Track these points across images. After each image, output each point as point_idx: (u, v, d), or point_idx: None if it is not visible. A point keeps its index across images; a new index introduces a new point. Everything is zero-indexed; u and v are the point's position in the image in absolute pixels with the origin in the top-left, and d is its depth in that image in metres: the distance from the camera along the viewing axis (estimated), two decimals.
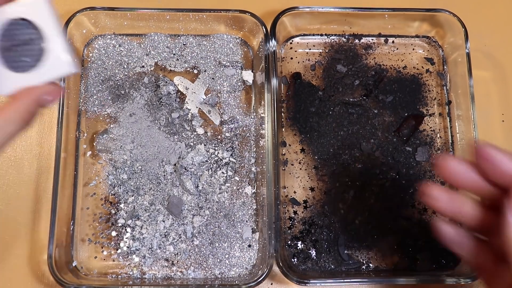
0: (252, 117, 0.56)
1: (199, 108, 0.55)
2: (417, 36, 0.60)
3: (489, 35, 0.61)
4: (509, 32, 0.62)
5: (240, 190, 0.53)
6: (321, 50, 0.59)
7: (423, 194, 0.36)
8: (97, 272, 0.50)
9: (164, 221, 0.51)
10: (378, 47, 0.59)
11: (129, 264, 0.51)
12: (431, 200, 0.36)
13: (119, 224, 0.51)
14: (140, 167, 0.53)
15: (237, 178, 0.53)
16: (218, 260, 0.51)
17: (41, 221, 0.52)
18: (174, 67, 0.56)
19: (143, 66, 0.56)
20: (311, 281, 0.47)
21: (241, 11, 0.55)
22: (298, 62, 0.58)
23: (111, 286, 0.49)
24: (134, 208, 0.51)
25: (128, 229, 0.51)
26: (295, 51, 0.59)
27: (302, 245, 0.52)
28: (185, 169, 0.52)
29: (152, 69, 0.56)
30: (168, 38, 0.57)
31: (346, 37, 0.59)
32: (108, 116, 0.55)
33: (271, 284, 0.51)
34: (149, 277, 0.50)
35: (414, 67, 0.59)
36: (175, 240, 0.51)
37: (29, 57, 0.34)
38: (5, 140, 0.34)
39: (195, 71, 0.57)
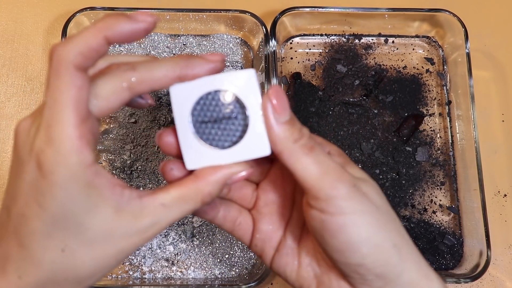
0: None
1: None
2: (417, 36, 0.60)
3: (489, 35, 0.61)
4: (509, 32, 0.62)
5: None
6: (321, 50, 0.59)
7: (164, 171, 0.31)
8: None
9: None
10: (378, 47, 0.59)
11: (129, 264, 0.51)
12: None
13: None
14: (140, 167, 0.53)
15: None
16: (218, 260, 0.51)
17: None
18: None
19: None
20: None
21: (241, 11, 0.55)
22: (298, 62, 0.58)
23: (111, 286, 0.49)
24: None
25: None
26: (295, 51, 0.59)
27: None
28: None
29: None
30: (168, 38, 0.57)
31: (346, 37, 0.59)
32: (108, 116, 0.55)
33: (271, 284, 0.51)
34: (149, 277, 0.50)
35: (414, 67, 0.59)
36: (175, 240, 0.51)
37: (225, 132, 0.30)
38: (175, 218, 0.28)
39: None
